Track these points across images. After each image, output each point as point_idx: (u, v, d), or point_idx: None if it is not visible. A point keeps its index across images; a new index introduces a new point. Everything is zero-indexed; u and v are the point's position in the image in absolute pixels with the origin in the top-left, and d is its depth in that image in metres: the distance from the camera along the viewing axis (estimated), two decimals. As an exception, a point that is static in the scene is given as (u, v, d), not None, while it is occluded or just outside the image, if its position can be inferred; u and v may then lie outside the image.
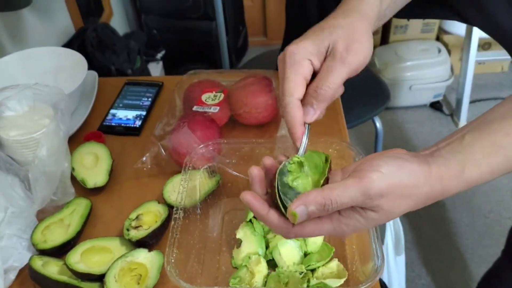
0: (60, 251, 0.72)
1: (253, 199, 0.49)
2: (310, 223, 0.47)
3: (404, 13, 0.72)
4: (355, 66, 0.52)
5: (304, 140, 0.51)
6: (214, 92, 0.93)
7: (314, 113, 0.52)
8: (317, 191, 0.45)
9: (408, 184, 0.45)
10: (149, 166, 0.85)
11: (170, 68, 2.18)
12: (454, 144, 0.48)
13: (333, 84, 0.51)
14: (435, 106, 2.32)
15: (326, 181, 0.49)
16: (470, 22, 0.85)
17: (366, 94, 1.58)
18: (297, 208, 0.45)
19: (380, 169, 0.44)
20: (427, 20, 2.34)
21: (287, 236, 0.49)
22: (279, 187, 0.49)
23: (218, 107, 0.90)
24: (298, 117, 0.51)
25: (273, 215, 0.48)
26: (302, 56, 0.52)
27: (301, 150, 0.51)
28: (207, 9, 2.18)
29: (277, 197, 0.48)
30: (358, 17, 0.55)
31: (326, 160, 0.52)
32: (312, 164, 0.52)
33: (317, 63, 0.53)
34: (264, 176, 0.51)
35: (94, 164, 0.85)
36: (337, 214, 0.47)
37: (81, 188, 0.82)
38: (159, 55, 2.08)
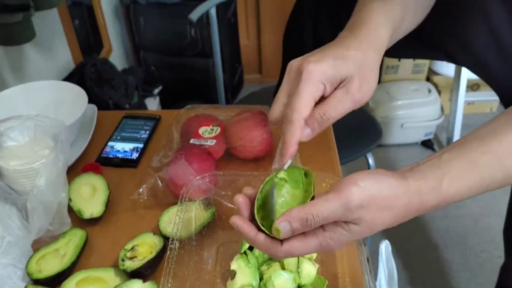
0: (54, 281, 0.72)
1: (242, 222, 0.51)
2: (296, 241, 0.49)
3: (396, 52, 0.75)
4: (361, 103, 0.55)
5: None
6: (211, 126, 0.95)
7: (311, 135, 0.54)
8: (299, 208, 0.47)
9: (387, 196, 0.47)
10: (145, 198, 0.86)
11: (167, 104, 2.21)
12: (433, 161, 0.50)
13: (338, 116, 0.54)
14: (427, 144, 2.36)
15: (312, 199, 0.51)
16: (459, 63, 0.88)
17: (359, 131, 1.61)
18: (280, 224, 0.47)
19: (359, 182, 0.47)
20: (417, 61, 2.41)
21: (276, 257, 0.51)
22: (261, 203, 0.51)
23: (214, 140, 0.92)
24: (298, 136, 0.53)
25: (261, 237, 0.50)
26: (319, 78, 0.53)
27: (286, 166, 0.53)
28: (204, 47, 2.24)
29: (258, 223, 0.51)
30: (372, 50, 0.57)
31: (306, 174, 0.54)
32: (292, 179, 0.54)
33: (329, 90, 0.54)
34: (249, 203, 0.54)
35: (91, 195, 0.86)
36: (321, 230, 0.49)
37: (77, 219, 0.82)
38: (156, 91, 2.12)
